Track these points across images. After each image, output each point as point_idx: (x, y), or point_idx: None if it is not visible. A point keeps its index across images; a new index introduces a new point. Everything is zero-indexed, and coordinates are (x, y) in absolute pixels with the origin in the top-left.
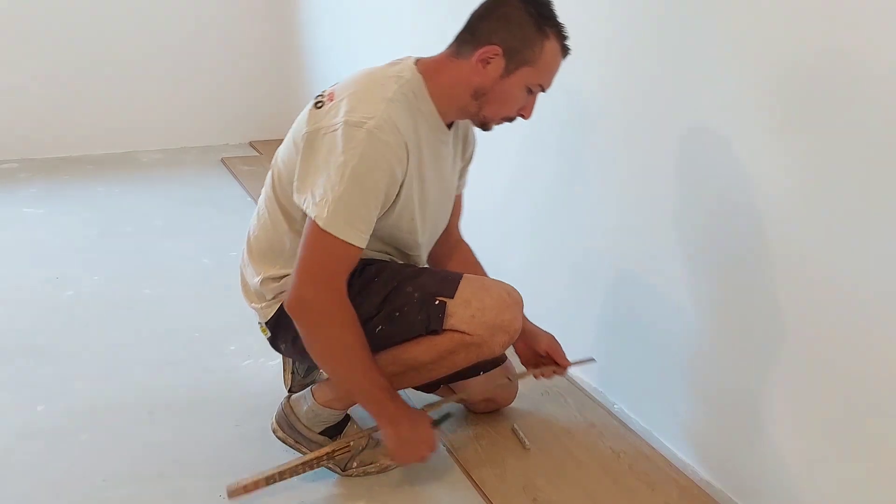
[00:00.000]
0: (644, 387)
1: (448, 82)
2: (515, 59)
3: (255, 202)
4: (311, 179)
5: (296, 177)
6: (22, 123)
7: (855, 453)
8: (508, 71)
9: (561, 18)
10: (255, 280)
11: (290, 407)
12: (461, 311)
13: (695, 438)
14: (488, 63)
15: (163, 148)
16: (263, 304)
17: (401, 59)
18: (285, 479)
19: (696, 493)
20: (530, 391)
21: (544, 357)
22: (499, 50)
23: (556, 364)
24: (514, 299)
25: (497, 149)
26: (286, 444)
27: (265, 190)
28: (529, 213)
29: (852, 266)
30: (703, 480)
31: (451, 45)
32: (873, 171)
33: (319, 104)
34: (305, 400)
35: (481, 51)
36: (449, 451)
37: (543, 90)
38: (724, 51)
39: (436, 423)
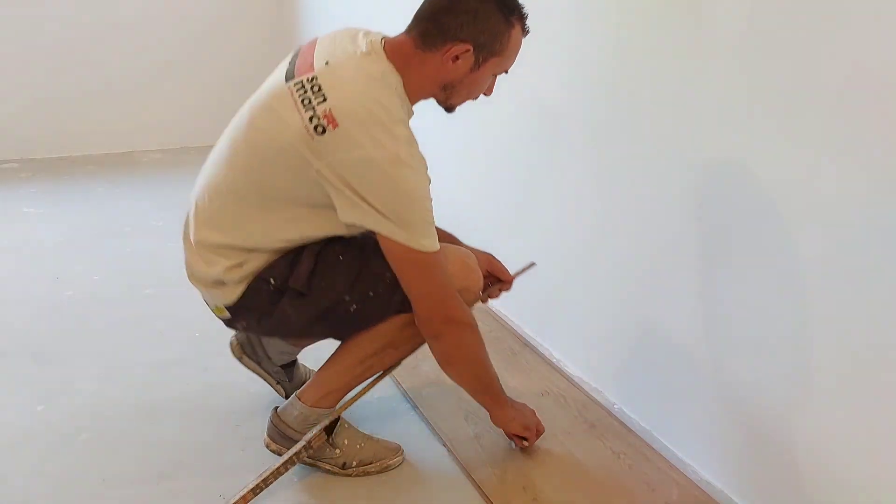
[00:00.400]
0: (644, 387)
1: (418, 78)
2: (484, 52)
3: None
4: (384, 209)
5: (346, 202)
6: (22, 123)
7: (856, 453)
8: (478, 64)
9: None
10: (214, 270)
11: (279, 417)
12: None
13: (695, 438)
14: (458, 59)
15: (163, 148)
16: (224, 290)
17: (371, 46)
18: (270, 483)
19: (696, 493)
20: (530, 391)
21: (487, 277)
22: (469, 47)
23: (501, 280)
24: (472, 264)
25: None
26: (279, 454)
27: (232, 160)
28: (530, 211)
29: (861, 269)
30: (703, 480)
31: (414, 34)
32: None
33: (320, 129)
34: (293, 407)
35: (452, 49)
36: (449, 451)
37: (506, 73)
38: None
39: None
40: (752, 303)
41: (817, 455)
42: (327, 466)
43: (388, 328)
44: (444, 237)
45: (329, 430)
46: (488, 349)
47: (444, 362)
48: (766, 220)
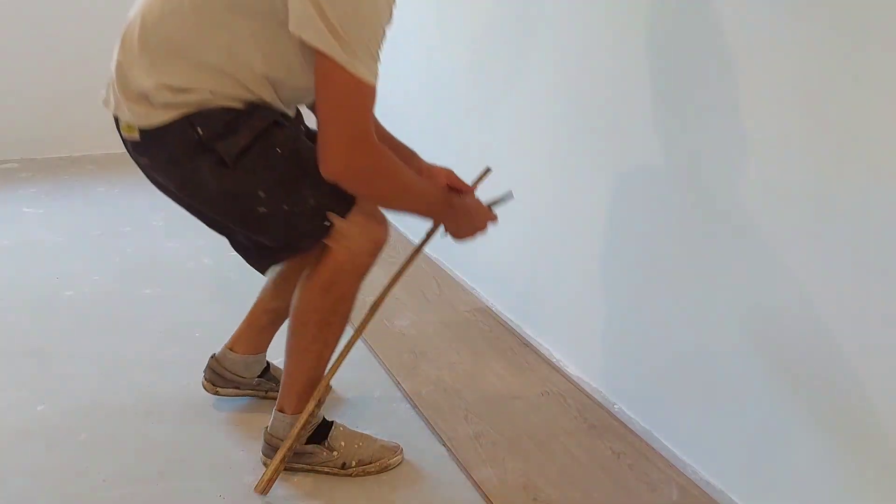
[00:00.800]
0: (644, 387)
1: None
2: None
3: None
4: (335, 21)
5: (299, 6)
6: (22, 123)
7: (857, 452)
8: None
9: None
10: (146, 82)
11: (271, 435)
12: (350, 230)
13: (695, 438)
14: None
15: None
16: (146, 109)
17: None
18: (294, 449)
19: (696, 494)
20: (530, 391)
21: (450, 191)
22: None
23: (460, 191)
24: (381, 216)
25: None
26: (277, 471)
27: None
28: (530, 210)
29: (854, 275)
30: (702, 480)
31: None
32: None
33: None
34: (279, 421)
35: None
36: (449, 451)
37: None
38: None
39: (493, 203)
40: (753, 303)
41: (817, 455)
42: (327, 469)
43: (308, 301)
44: (404, 153)
45: (324, 434)
46: (488, 349)
47: (364, 196)
48: (772, 219)
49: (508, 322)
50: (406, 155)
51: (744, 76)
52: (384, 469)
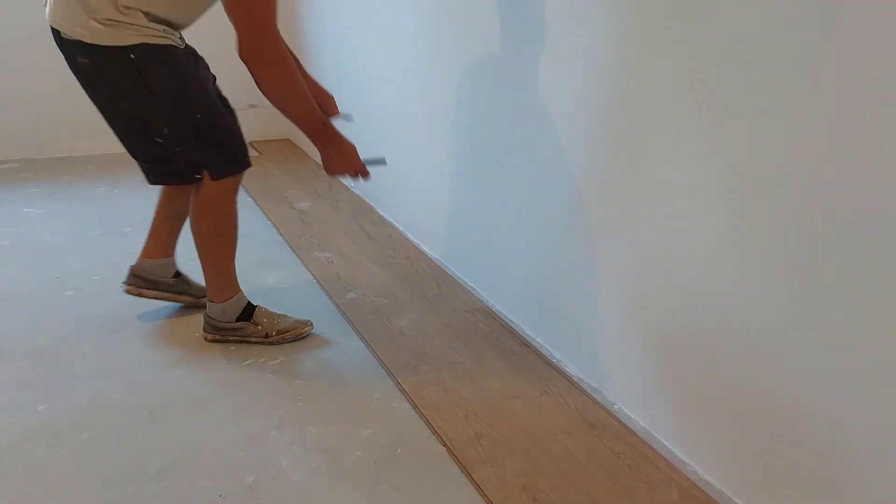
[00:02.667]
0: (644, 387)
1: None
2: None
3: (255, 202)
4: None
5: None
6: (23, 123)
7: (855, 453)
8: None
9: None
10: (108, 8)
11: (209, 317)
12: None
13: (695, 438)
14: None
15: None
16: (92, 24)
17: None
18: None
19: (696, 494)
20: (530, 391)
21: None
22: None
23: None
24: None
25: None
26: (216, 342)
27: None
28: (529, 209)
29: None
30: (702, 480)
31: None
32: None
33: None
34: (212, 308)
35: None
36: (449, 451)
37: None
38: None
39: (370, 161)
40: (753, 303)
41: (817, 455)
42: (255, 340)
43: (198, 221)
44: (301, 66)
45: (250, 314)
46: (488, 349)
47: (259, 85)
48: (773, 216)
49: (508, 322)
50: (302, 68)
51: None
52: (298, 337)
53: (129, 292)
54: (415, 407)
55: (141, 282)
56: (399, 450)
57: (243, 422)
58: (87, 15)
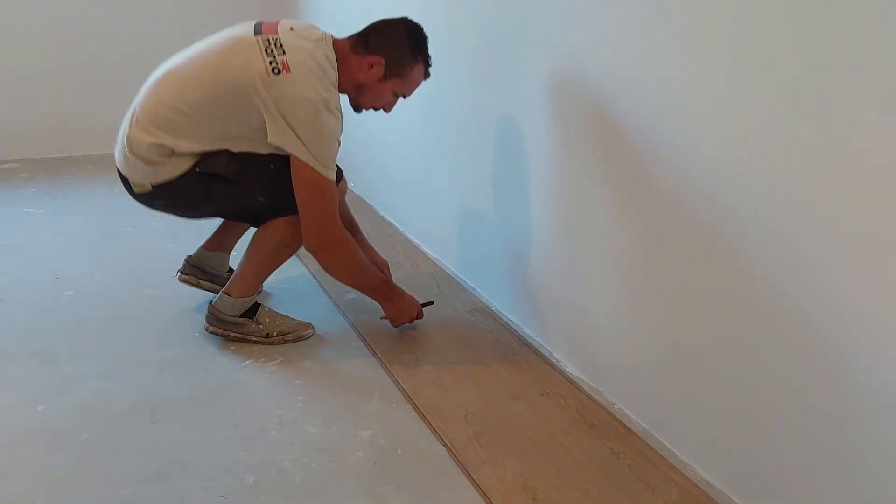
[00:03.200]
0: (644, 387)
1: (344, 72)
2: (391, 70)
3: None
4: (305, 138)
5: (277, 127)
6: (22, 123)
7: (856, 453)
8: (384, 78)
9: (432, 52)
10: (148, 140)
11: (215, 307)
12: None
13: (695, 438)
14: (372, 67)
15: None
16: (154, 168)
17: (323, 36)
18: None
19: (696, 493)
20: (530, 391)
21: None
22: (382, 61)
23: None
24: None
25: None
26: (216, 334)
27: (200, 76)
28: (529, 207)
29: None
30: (702, 480)
31: (353, 40)
32: None
33: (276, 70)
34: (224, 300)
35: (370, 58)
36: (449, 451)
37: (405, 97)
38: None
39: (423, 304)
40: (751, 303)
41: (817, 455)
42: (255, 339)
43: (272, 234)
44: (354, 229)
45: (252, 312)
46: (488, 349)
47: (326, 269)
48: (774, 221)
49: (508, 322)
50: (356, 232)
51: None
52: (299, 339)
53: (186, 281)
54: (415, 407)
55: (199, 272)
56: (399, 450)
57: (243, 422)
58: (148, 166)
